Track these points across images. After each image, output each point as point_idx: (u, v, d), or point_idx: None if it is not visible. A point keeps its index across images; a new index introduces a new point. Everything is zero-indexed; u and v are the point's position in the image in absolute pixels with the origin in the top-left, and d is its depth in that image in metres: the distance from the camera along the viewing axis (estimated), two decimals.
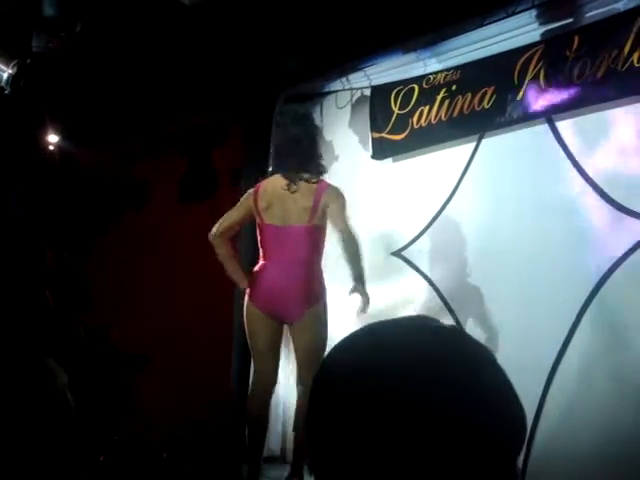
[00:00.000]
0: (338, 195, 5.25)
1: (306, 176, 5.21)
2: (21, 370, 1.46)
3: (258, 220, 5.25)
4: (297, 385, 5.37)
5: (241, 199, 5.36)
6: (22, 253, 6.44)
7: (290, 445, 6.09)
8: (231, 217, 5.30)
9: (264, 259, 5.23)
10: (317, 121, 7.17)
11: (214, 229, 5.25)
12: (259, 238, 5.29)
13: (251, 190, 5.33)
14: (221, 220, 5.27)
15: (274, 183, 5.26)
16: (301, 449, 5.27)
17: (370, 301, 5.15)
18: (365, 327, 0.98)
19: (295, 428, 5.35)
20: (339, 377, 0.93)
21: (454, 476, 0.86)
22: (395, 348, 0.92)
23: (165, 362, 7.17)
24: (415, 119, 6.32)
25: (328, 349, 1.02)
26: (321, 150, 5.39)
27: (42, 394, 1.44)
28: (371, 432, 0.87)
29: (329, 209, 5.21)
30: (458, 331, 0.99)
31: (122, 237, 7.66)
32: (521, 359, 5.55)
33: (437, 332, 0.96)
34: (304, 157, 5.24)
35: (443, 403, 0.87)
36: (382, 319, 1.02)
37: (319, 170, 5.29)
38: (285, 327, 5.28)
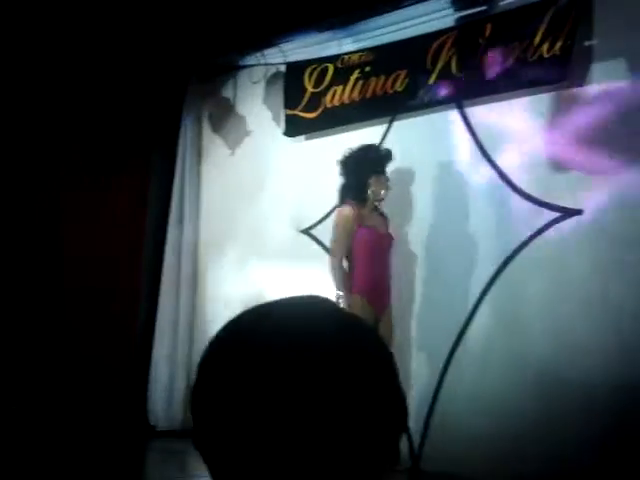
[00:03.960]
0: None
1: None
2: None
3: None
4: None
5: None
6: None
7: None
8: None
9: None
10: (230, 95, 7.16)
11: None
12: None
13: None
14: None
15: None
16: None
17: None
18: (253, 306, 1.00)
19: None
20: (220, 351, 0.96)
21: (332, 451, 0.89)
22: (275, 322, 0.95)
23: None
24: (328, 98, 6.34)
25: None
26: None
27: None
28: (250, 405, 0.90)
29: None
30: (341, 312, 1.01)
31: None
32: (421, 340, 5.67)
33: (322, 308, 0.98)
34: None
35: (318, 376, 0.90)
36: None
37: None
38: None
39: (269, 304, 0.99)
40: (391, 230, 5.57)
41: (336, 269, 5.41)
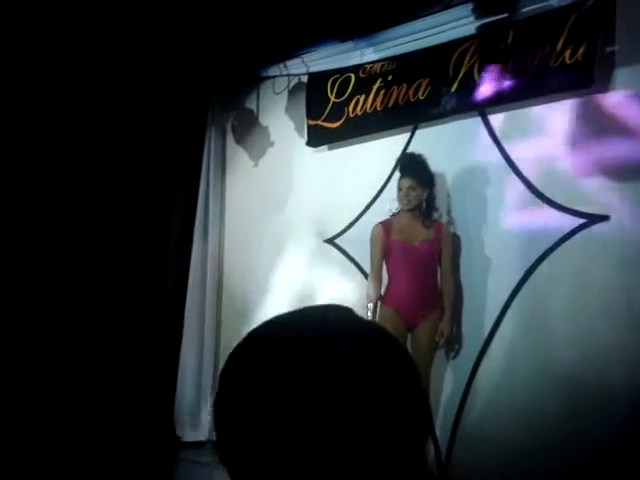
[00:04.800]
0: None
1: None
2: None
3: None
4: None
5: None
6: None
7: None
8: None
9: None
10: (253, 106, 7.18)
11: None
12: None
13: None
14: None
15: None
16: None
17: None
18: (274, 316, 1.01)
19: None
20: (241, 360, 0.97)
21: (356, 458, 0.89)
22: (295, 331, 0.96)
23: None
24: (351, 108, 6.35)
25: None
26: None
27: None
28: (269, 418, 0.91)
29: None
30: (361, 319, 1.01)
31: None
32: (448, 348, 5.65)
33: (337, 320, 0.99)
34: None
35: (340, 384, 0.90)
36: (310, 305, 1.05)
37: None
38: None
39: (289, 313, 1.00)
40: (444, 235, 5.53)
41: (369, 282, 5.63)
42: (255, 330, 0.99)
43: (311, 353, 0.92)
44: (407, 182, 5.49)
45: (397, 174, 5.68)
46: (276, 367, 0.92)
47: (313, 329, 0.96)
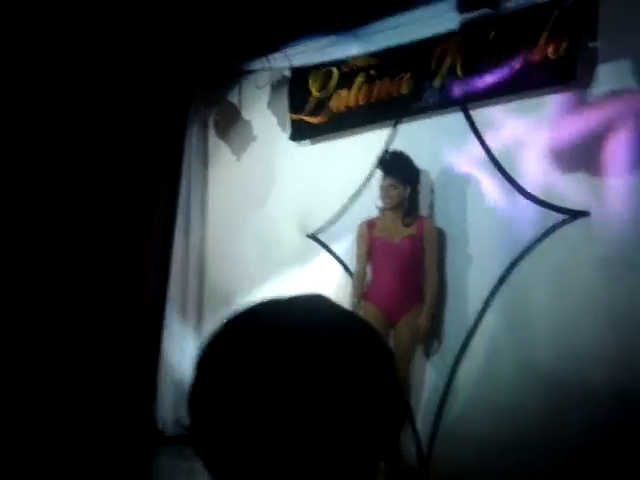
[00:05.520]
0: None
1: None
2: None
3: None
4: None
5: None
6: None
7: None
8: None
9: None
10: (235, 100, 7.16)
11: None
12: None
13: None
14: None
15: None
16: None
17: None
18: (251, 304, 1.00)
19: None
20: (217, 348, 0.96)
21: (329, 445, 0.89)
22: (272, 319, 0.95)
23: None
24: (333, 102, 6.34)
25: None
26: None
27: None
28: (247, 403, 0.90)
29: None
30: (339, 309, 1.01)
31: None
32: (429, 344, 5.66)
33: (320, 307, 0.98)
34: None
35: (315, 371, 0.90)
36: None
37: None
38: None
39: (266, 302, 0.99)
40: (427, 230, 5.54)
41: (353, 278, 5.78)
42: (234, 317, 0.99)
43: (289, 342, 0.92)
44: (389, 181, 5.54)
45: (380, 171, 5.70)
46: (254, 355, 0.91)
47: (292, 318, 0.96)
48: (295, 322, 0.95)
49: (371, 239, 5.61)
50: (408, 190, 5.56)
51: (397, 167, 5.56)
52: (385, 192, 5.55)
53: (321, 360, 0.91)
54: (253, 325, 0.96)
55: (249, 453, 0.90)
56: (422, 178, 5.69)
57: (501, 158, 5.47)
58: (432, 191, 5.76)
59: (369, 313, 5.38)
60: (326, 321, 0.96)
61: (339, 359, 0.92)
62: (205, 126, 7.47)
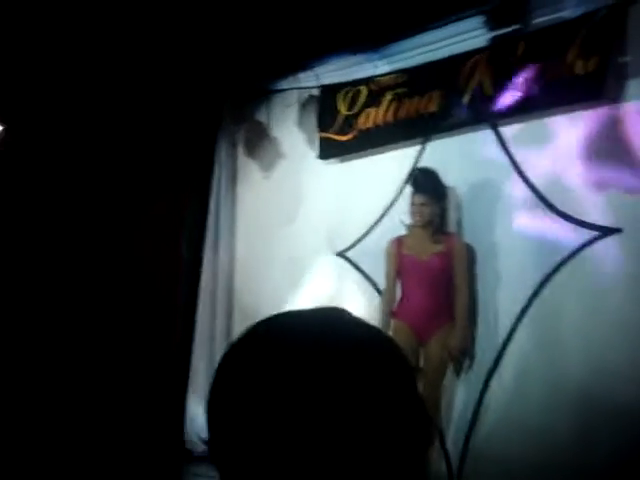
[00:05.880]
0: None
1: None
2: None
3: None
4: None
5: None
6: None
7: None
8: None
9: None
10: (264, 119, 7.19)
11: None
12: None
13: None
14: None
15: None
16: None
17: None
18: (270, 315, 1.00)
19: None
20: (236, 359, 0.95)
21: (350, 462, 0.88)
22: (291, 331, 0.94)
23: None
24: (362, 120, 6.34)
25: None
26: None
27: None
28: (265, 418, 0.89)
29: None
30: (360, 322, 0.99)
31: None
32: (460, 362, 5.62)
33: (338, 321, 0.97)
34: None
35: (334, 384, 0.89)
36: None
37: None
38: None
39: (285, 314, 0.98)
40: (457, 247, 5.51)
41: (382, 296, 5.76)
42: (252, 326, 0.98)
43: (311, 355, 0.91)
44: (420, 198, 5.50)
45: (409, 188, 5.68)
46: (274, 366, 0.90)
47: (315, 330, 0.95)
48: (312, 332, 0.94)
49: (400, 257, 5.58)
50: (439, 207, 5.54)
51: (428, 184, 5.54)
52: (417, 209, 5.52)
53: (342, 376, 0.90)
54: (269, 334, 0.95)
55: (260, 467, 0.89)
56: (450, 195, 5.67)
57: (530, 174, 5.43)
58: (460, 208, 5.74)
59: (399, 331, 5.37)
60: (345, 333, 0.95)
61: (356, 372, 0.90)
62: (234, 144, 7.51)
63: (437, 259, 5.47)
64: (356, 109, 6.38)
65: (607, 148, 5.10)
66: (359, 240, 6.32)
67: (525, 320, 5.33)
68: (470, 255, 5.57)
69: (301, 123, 6.95)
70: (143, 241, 7.34)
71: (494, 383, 5.42)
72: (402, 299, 5.59)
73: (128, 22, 6.29)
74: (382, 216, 6.17)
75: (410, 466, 0.92)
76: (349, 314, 0.99)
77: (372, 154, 6.33)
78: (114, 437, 6.60)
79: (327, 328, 0.95)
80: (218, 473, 0.92)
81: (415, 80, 6.05)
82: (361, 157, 6.42)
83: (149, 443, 6.70)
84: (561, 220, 5.25)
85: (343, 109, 6.46)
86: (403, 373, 0.95)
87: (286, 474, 0.87)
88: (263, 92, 7.20)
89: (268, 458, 0.88)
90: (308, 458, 0.87)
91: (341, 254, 6.45)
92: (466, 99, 5.72)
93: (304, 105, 6.91)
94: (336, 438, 0.87)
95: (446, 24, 5.86)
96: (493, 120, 5.63)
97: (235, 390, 0.92)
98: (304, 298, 6.53)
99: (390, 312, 5.57)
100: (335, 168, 6.62)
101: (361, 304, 6.03)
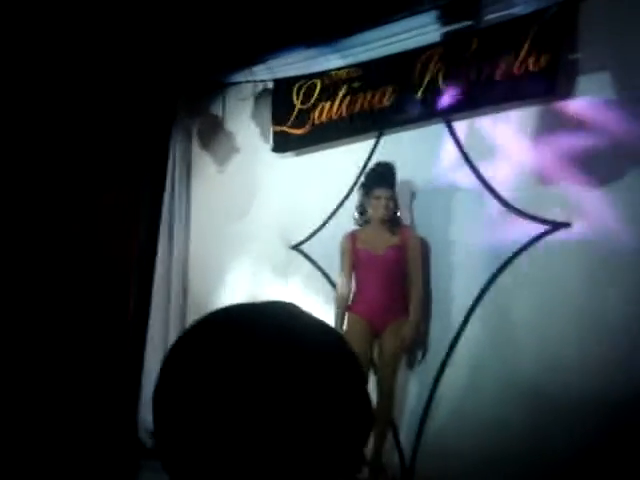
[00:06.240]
0: None
1: None
2: None
3: None
4: None
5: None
6: None
7: None
8: None
9: None
10: (218, 112, 7.16)
11: None
12: None
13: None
14: None
15: None
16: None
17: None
18: (216, 309, 1.00)
19: None
20: (181, 353, 0.96)
21: (293, 450, 0.89)
22: (237, 325, 0.95)
23: None
24: (316, 114, 6.35)
25: None
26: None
27: None
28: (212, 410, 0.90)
29: None
30: (310, 317, 1.00)
31: None
32: (412, 354, 5.66)
33: (284, 314, 0.98)
34: None
35: (279, 378, 0.90)
36: None
37: None
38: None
39: (234, 305, 0.99)
40: (411, 240, 5.54)
41: (337, 290, 5.75)
42: (201, 319, 0.98)
43: (252, 344, 0.91)
44: (386, 192, 5.50)
45: (365, 182, 5.68)
46: (215, 356, 0.91)
47: (258, 320, 0.95)
48: (259, 324, 0.94)
49: (355, 251, 5.59)
50: (396, 201, 5.57)
51: (391, 178, 5.56)
52: (383, 203, 5.51)
53: (284, 364, 0.90)
54: (218, 326, 0.95)
55: (206, 459, 0.89)
56: (403, 188, 5.70)
57: (483, 169, 5.49)
58: (413, 202, 5.77)
59: (354, 324, 5.40)
60: (294, 329, 0.95)
61: (303, 364, 0.91)
62: (189, 137, 7.47)
63: (392, 252, 5.49)
64: (310, 103, 6.39)
65: (557, 143, 5.16)
66: (314, 233, 6.33)
67: (478, 312, 5.39)
68: (423, 248, 5.61)
69: (256, 116, 6.93)
70: (97, 234, 7.27)
71: (447, 375, 5.47)
72: (357, 293, 5.60)
73: (81, 14, 6.23)
74: (337, 209, 6.19)
75: (346, 457, 0.93)
76: (299, 309, 0.99)
77: (326, 148, 6.35)
78: (67, 436, 6.55)
79: (274, 320, 0.96)
80: (162, 466, 0.92)
81: (369, 74, 6.08)
82: (316, 151, 6.43)
83: (102, 437, 6.65)
84: (512, 214, 5.31)
85: (297, 103, 6.47)
86: (350, 371, 0.96)
87: (228, 464, 0.88)
88: (218, 85, 7.17)
89: (211, 446, 0.88)
90: (251, 453, 0.88)
91: (296, 247, 6.46)
92: (420, 94, 5.75)
93: (259, 98, 6.90)
94: (277, 431, 0.88)
95: (400, 19, 5.89)
96: (446, 115, 5.68)
97: (176, 381, 0.92)
98: (259, 292, 6.52)
99: (345, 305, 5.58)
100: (290, 162, 6.62)
101: (316, 297, 6.04)
